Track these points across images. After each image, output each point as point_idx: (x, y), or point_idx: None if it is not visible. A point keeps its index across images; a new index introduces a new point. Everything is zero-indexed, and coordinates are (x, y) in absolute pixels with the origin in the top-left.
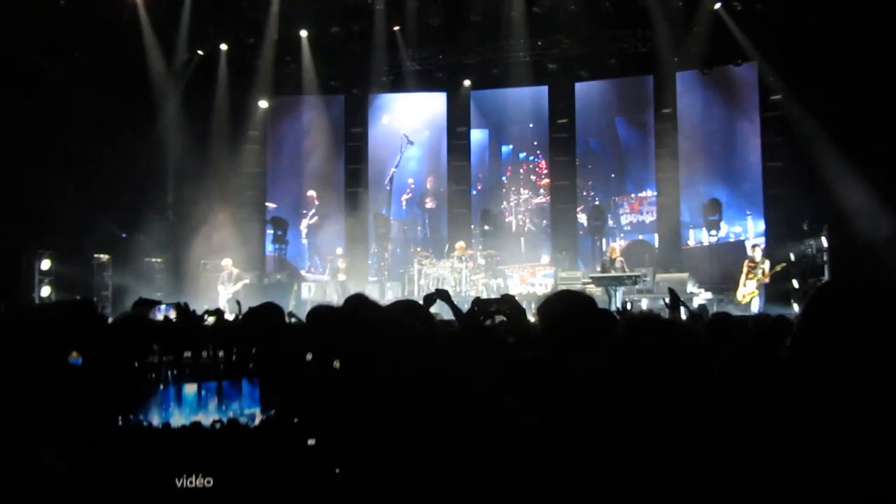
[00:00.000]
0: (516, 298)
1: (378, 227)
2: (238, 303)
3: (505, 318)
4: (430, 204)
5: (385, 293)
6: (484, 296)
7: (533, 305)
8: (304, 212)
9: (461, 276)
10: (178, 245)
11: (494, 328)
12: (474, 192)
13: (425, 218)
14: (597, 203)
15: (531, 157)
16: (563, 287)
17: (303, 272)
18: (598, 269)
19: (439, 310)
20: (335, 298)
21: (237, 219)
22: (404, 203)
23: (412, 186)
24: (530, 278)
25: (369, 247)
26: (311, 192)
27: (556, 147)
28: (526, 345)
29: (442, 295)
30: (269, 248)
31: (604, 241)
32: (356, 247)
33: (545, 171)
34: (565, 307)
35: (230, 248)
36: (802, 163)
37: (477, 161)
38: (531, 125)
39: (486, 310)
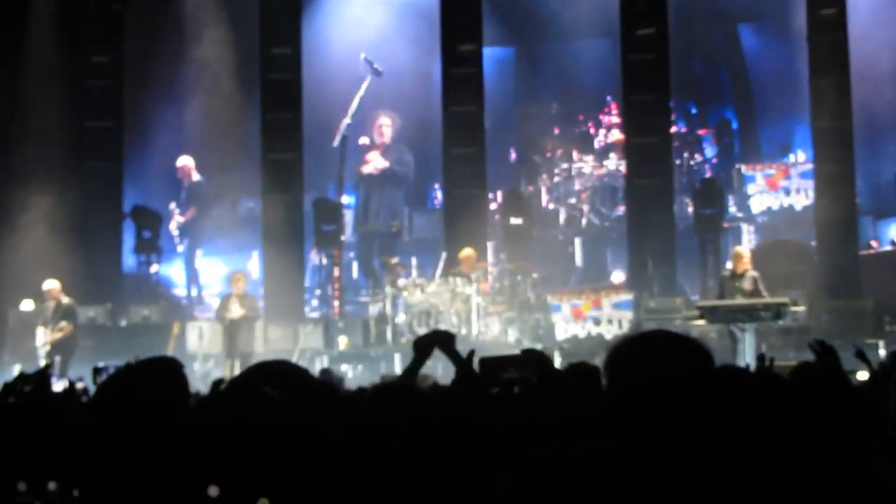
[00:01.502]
0: (563, 348)
1: (322, 221)
2: (51, 359)
3: (530, 385)
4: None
5: (334, 340)
6: (510, 342)
7: (598, 360)
8: (176, 200)
9: (468, 308)
10: None
11: (516, 399)
12: (492, 158)
13: (403, 207)
14: (707, 176)
15: (596, 97)
16: (651, 326)
17: (187, 303)
18: (714, 293)
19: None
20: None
21: (70, 214)
22: (366, 181)
23: (381, 150)
24: (591, 312)
25: (305, 259)
26: (186, 162)
27: (637, 78)
28: (574, 430)
29: (442, 341)
30: (129, 261)
31: (721, 242)
32: (280, 258)
33: (616, 121)
34: (653, 363)
35: (56, 265)
36: None
37: (496, 104)
38: (593, 40)
39: (499, 376)
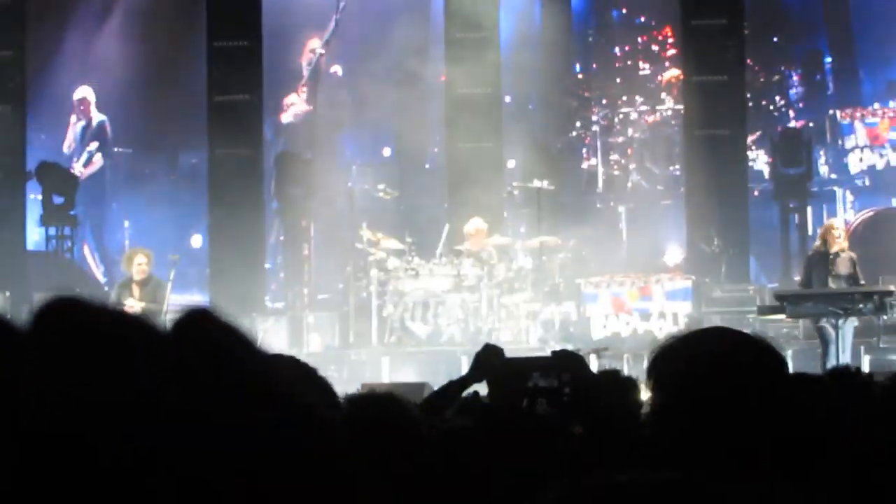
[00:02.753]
0: (598, 352)
1: (287, 182)
2: None
3: (565, 395)
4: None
5: (303, 339)
6: (531, 343)
7: (645, 363)
8: (73, 146)
9: (477, 298)
10: None
11: (543, 415)
12: (509, 102)
13: (395, 160)
14: (791, 126)
15: (644, 21)
16: (716, 321)
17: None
18: (799, 276)
19: None
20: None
21: None
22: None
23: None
24: (638, 302)
25: (265, 232)
26: (85, 94)
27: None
28: (617, 451)
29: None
30: (35, 235)
31: (809, 211)
32: (232, 231)
33: (673, 54)
34: (710, 369)
35: None
36: None
37: (517, 28)
38: None
39: (525, 384)
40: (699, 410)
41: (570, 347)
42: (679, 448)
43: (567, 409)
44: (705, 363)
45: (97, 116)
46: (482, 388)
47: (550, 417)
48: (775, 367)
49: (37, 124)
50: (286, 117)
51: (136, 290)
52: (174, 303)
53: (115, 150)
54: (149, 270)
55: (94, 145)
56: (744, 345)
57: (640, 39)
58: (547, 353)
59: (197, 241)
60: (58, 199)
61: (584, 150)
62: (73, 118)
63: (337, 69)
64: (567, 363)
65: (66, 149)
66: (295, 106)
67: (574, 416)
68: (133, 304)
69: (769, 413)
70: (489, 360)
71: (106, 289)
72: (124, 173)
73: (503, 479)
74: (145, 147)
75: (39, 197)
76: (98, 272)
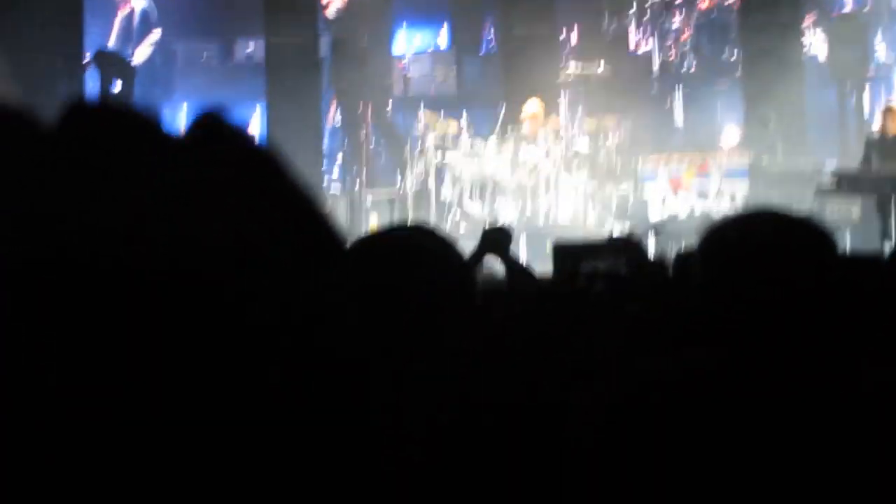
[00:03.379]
0: (655, 231)
1: (343, 69)
2: None
3: (621, 279)
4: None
5: (361, 222)
6: (589, 223)
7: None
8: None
9: (536, 179)
10: None
11: (600, 296)
12: None
13: (450, 47)
14: (847, 10)
15: None
16: (773, 198)
17: None
18: (859, 160)
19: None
20: None
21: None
22: None
23: None
24: (695, 180)
25: (322, 118)
26: None
27: None
28: (675, 331)
29: (494, 243)
30: None
31: (866, 94)
32: (290, 117)
33: None
34: (758, 248)
35: None
36: None
37: None
38: None
39: (579, 269)
40: (744, 290)
41: (627, 227)
42: (722, 327)
43: (623, 292)
44: (753, 242)
45: (140, 4)
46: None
47: (606, 298)
48: (824, 249)
49: (91, 8)
50: (330, 12)
51: None
52: None
53: (167, 38)
54: None
55: (141, 33)
56: (793, 225)
57: None
58: (604, 235)
59: (254, 128)
60: (115, 88)
61: (639, 34)
62: (122, 10)
63: None
64: (625, 248)
65: (112, 40)
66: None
67: (630, 297)
68: None
69: (815, 294)
70: (493, 236)
71: None
72: (180, 62)
73: (558, 359)
74: (200, 35)
75: (95, 85)
76: None
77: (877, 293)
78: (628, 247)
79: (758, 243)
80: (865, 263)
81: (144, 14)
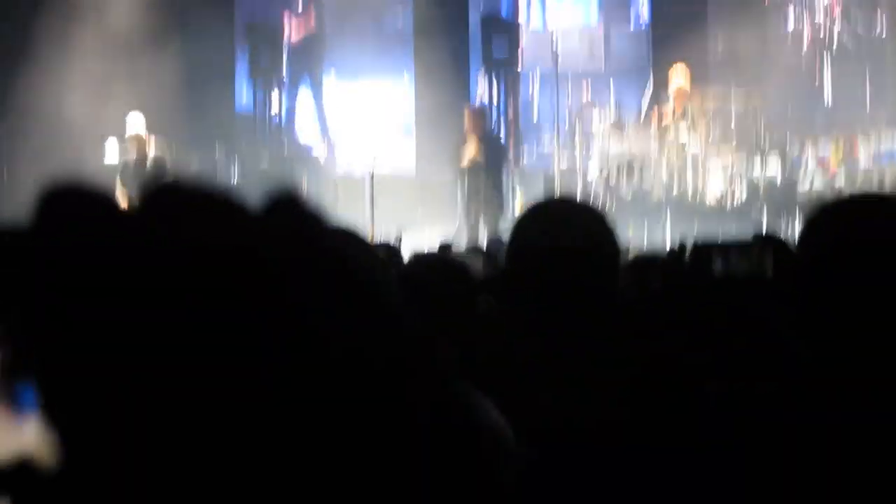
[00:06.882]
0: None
1: (491, 43)
2: None
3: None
4: None
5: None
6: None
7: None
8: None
9: (684, 158)
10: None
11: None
12: None
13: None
14: None
15: None
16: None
17: (316, 154)
18: None
19: None
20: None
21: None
22: None
23: None
24: (845, 164)
25: (471, 93)
26: None
27: None
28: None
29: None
30: (244, 98)
31: None
32: (437, 91)
33: None
34: (861, 235)
35: (138, 98)
36: None
37: None
38: None
39: (712, 268)
40: (832, 277)
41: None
42: (808, 314)
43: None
44: (857, 228)
45: None
46: None
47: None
48: None
49: None
50: None
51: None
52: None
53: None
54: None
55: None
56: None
57: None
58: (751, 215)
59: (405, 92)
60: (264, 58)
61: (790, 10)
62: None
63: None
64: (768, 247)
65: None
66: None
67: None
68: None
69: None
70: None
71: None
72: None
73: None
74: (349, 7)
75: (245, 57)
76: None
77: None
78: (774, 244)
79: (863, 228)
80: None
81: None
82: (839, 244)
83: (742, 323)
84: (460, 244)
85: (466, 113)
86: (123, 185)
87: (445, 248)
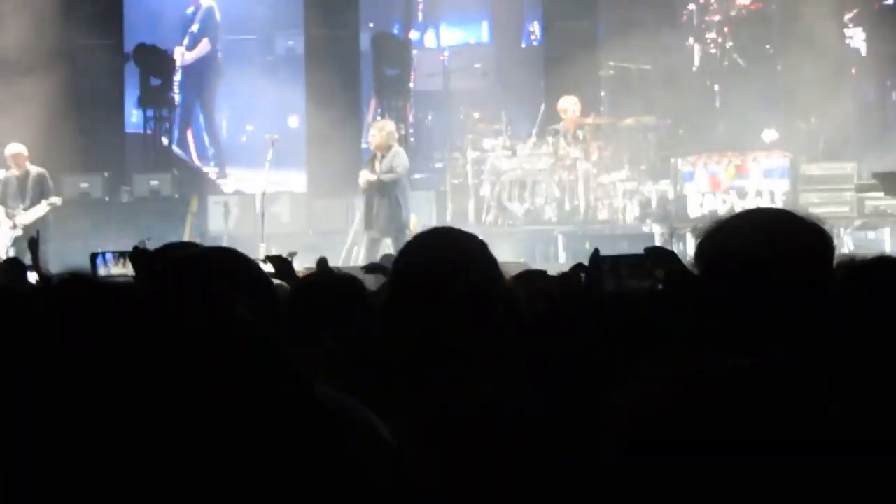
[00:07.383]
0: (694, 230)
1: (384, 63)
2: (34, 241)
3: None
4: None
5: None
6: (629, 218)
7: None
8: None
9: (575, 176)
10: None
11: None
12: None
13: (491, 41)
14: (888, 2)
15: None
16: (811, 199)
17: (208, 171)
18: None
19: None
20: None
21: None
22: None
23: None
24: (735, 180)
25: (361, 113)
26: None
27: None
28: (713, 337)
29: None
30: (133, 116)
31: None
32: (329, 112)
33: None
34: (748, 246)
35: (23, 127)
36: None
37: None
38: None
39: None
40: (724, 283)
41: (666, 228)
42: (704, 317)
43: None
44: (744, 241)
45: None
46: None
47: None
48: (815, 251)
49: (131, 3)
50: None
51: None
52: (273, 181)
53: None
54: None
55: (196, 27)
56: (788, 225)
57: None
58: (642, 231)
59: (294, 121)
60: (155, 81)
61: (681, 29)
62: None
63: None
64: (660, 260)
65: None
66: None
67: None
68: (369, 176)
69: (798, 291)
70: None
71: (204, 171)
72: (221, 55)
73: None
74: (240, 30)
75: (134, 79)
76: (194, 156)
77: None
78: (665, 258)
79: (747, 240)
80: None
81: (209, 10)
82: (734, 257)
83: (636, 334)
84: (356, 260)
85: (373, 127)
86: (5, 201)
87: (323, 263)
